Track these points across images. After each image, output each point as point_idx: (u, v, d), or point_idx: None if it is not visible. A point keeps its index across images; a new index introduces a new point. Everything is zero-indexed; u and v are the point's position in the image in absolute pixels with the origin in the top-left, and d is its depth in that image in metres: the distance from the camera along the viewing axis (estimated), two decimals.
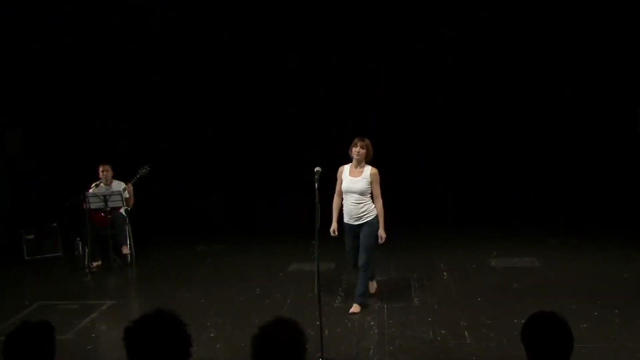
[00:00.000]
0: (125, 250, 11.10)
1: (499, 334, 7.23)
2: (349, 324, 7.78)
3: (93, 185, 11.05)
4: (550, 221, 12.93)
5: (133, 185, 11.11)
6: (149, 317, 3.39)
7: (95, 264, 10.98)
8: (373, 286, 8.80)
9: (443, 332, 7.40)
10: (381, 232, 8.09)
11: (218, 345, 7.22)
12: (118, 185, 11.12)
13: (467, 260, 10.65)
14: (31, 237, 11.86)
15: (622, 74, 13.06)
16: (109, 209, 10.88)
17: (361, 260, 8.11)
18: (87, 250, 11.02)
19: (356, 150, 8.05)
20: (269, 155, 14.24)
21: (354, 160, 8.13)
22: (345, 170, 8.20)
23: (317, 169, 7.12)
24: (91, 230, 10.91)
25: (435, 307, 8.34)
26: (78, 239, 11.69)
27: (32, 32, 12.65)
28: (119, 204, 10.92)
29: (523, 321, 3.62)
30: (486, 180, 13.94)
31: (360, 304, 8.16)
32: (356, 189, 8.06)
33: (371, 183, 8.06)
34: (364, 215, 8.11)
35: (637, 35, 12.72)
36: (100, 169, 11.10)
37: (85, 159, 11.99)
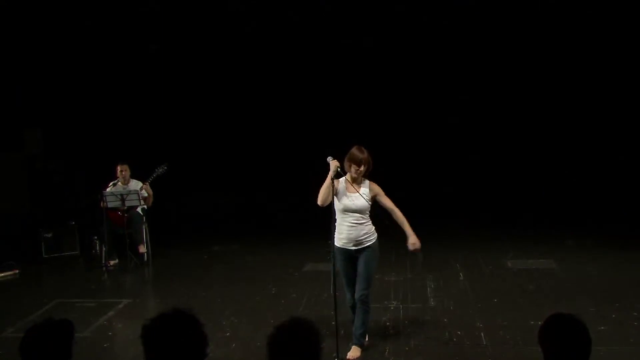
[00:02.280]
0: (142, 249, 11.12)
1: (515, 335, 7.19)
2: None
3: (110, 184, 11.08)
4: (567, 222, 12.87)
5: (150, 184, 11.13)
6: (166, 316, 3.40)
7: (112, 262, 11.04)
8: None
9: (459, 333, 7.37)
10: (415, 240, 6.91)
11: (233, 345, 7.22)
12: (135, 185, 11.15)
13: (483, 261, 10.62)
14: (49, 235, 11.91)
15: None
16: (126, 208, 10.92)
17: (361, 292, 6.77)
18: (104, 249, 11.07)
19: (356, 170, 6.72)
20: (284, 157, 14.28)
21: (348, 176, 6.80)
22: (341, 184, 6.81)
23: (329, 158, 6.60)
24: (108, 229, 10.95)
25: (451, 308, 8.32)
26: (95, 237, 11.73)
27: (51, 33, 12.66)
28: (136, 203, 10.95)
29: (539, 323, 3.59)
30: (502, 181, 13.93)
31: (360, 346, 6.88)
32: (356, 207, 6.74)
33: (375, 197, 6.85)
34: (366, 238, 6.83)
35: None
36: (119, 168, 11.13)
37: (103, 159, 12.01)
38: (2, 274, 10.56)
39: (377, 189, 6.87)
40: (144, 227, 11.18)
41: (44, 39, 12.75)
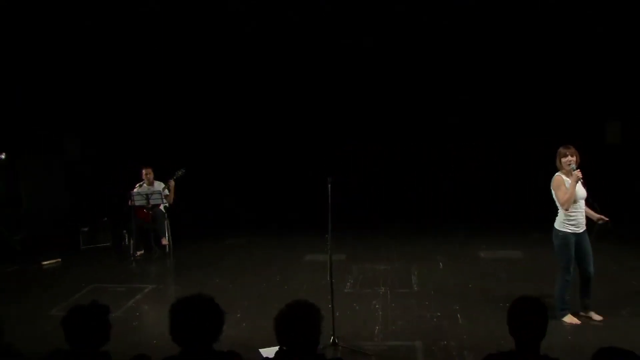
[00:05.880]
0: (165, 241, 11.17)
1: (486, 315, 7.25)
2: (357, 308, 7.82)
3: (137, 185, 11.16)
4: (535, 218, 12.85)
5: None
6: (192, 298, 3.48)
7: (139, 253, 11.11)
8: None
9: (439, 314, 7.42)
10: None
11: (244, 324, 7.27)
12: (159, 186, 11.20)
13: (460, 252, 10.67)
14: (86, 229, 11.99)
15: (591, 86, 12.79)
16: (150, 205, 10.98)
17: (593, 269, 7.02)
18: (132, 242, 11.14)
19: (570, 160, 6.79)
20: (283, 157, 14.22)
21: (565, 170, 6.86)
22: (565, 179, 6.86)
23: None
24: (135, 224, 11.04)
25: (432, 292, 8.35)
26: (125, 231, 11.77)
27: (84, 42, 12.34)
28: (159, 201, 11.02)
29: (507, 305, 3.67)
30: (478, 180, 13.88)
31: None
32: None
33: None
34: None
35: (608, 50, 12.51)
36: (144, 171, 11.19)
37: (130, 163, 12.02)
38: (47, 262, 10.64)
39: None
40: (166, 222, 11.22)
41: (81, 60, 12.57)
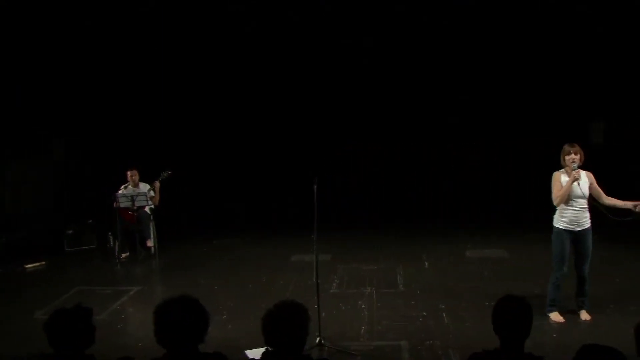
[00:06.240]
0: (150, 243, 11.12)
1: (472, 314, 7.28)
2: (343, 308, 7.82)
3: (122, 187, 11.12)
4: (519, 218, 12.93)
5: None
6: (175, 300, 3.46)
7: (124, 255, 11.04)
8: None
9: (424, 313, 7.44)
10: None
11: (230, 326, 7.26)
12: (144, 187, 11.15)
13: (445, 252, 10.67)
14: (70, 232, 11.87)
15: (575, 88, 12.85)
16: (136, 207, 10.93)
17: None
18: (117, 243, 11.07)
19: (574, 158, 6.80)
20: (274, 160, 14.20)
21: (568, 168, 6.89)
22: (563, 176, 6.94)
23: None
24: (121, 226, 10.97)
25: (418, 292, 8.37)
26: (110, 233, 11.69)
27: (71, 45, 12.30)
28: (144, 203, 10.97)
29: (493, 303, 3.69)
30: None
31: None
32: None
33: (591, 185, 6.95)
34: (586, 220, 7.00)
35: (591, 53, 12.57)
36: (129, 173, 11.14)
37: (115, 165, 11.97)
38: (31, 265, 10.55)
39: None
40: (151, 224, 11.18)
41: (65, 61, 12.48)
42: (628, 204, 6.76)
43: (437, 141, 14.09)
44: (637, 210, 6.63)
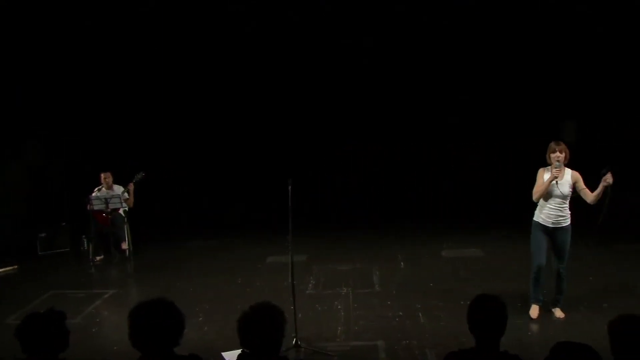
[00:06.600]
0: (124, 246, 11.05)
1: (448, 314, 7.32)
2: (319, 308, 7.82)
3: (96, 189, 11.03)
4: (494, 217, 13.00)
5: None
6: (150, 303, 3.44)
7: (98, 258, 10.95)
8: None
9: (401, 313, 7.46)
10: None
11: (205, 328, 7.23)
12: (118, 189, 11.08)
13: (421, 251, 10.72)
14: (43, 235, 11.76)
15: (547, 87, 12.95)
16: (110, 210, 10.84)
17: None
18: (91, 246, 10.98)
19: (558, 156, 6.84)
20: (250, 163, 14.15)
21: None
22: (545, 173, 7.00)
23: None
24: (94, 229, 10.90)
25: (394, 292, 8.39)
26: (84, 236, 11.62)
27: (55, 40, 12.03)
28: (118, 205, 10.89)
29: (468, 302, 3.71)
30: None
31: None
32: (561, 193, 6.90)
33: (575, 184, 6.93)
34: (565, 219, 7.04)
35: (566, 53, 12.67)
36: (102, 176, 11.06)
37: (89, 167, 11.84)
38: (3, 269, 10.42)
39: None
40: (125, 226, 11.10)
41: (49, 46, 12.20)
42: (600, 187, 6.68)
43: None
44: (606, 182, 6.56)
